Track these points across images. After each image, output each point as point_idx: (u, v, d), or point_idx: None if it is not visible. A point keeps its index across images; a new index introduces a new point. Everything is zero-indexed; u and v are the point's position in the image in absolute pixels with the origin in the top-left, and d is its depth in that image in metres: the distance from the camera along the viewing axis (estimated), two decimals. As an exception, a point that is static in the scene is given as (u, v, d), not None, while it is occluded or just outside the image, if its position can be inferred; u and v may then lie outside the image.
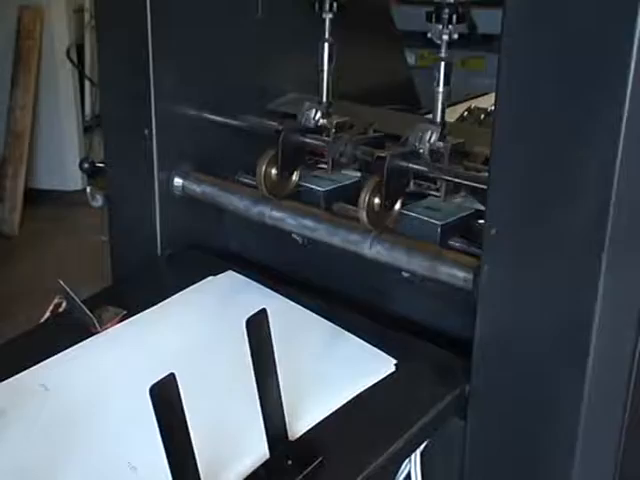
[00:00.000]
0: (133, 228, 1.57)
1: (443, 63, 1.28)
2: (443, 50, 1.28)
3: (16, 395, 1.21)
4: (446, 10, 1.26)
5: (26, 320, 1.46)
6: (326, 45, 1.46)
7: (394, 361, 1.20)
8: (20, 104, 4.14)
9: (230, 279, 1.44)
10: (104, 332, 1.32)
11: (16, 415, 1.17)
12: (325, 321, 1.30)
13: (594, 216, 0.97)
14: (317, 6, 1.44)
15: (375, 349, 1.22)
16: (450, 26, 1.27)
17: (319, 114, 1.49)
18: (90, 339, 1.31)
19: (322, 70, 1.48)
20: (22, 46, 4.15)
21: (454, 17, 1.26)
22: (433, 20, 1.27)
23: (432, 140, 1.30)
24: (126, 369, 1.23)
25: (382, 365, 1.20)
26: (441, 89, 1.29)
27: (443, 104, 1.30)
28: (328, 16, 1.45)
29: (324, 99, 1.49)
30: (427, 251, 1.23)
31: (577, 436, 1.06)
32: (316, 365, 1.21)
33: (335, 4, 1.43)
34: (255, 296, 1.36)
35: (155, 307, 1.37)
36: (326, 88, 1.49)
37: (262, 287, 1.40)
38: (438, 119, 1.31)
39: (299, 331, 1.27)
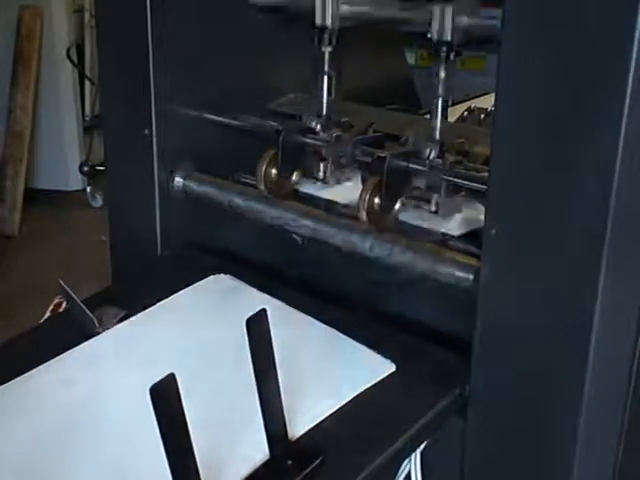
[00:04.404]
0: (133, 228, 1.57)
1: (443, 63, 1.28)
2: (443, 50, 1.28)
3: (19, 395, 1.22)
4: (446, 10, 1.26)
5: (26, 320, 1.46)
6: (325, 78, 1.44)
7: (393, 366, 1.20)
8: (20, 104, 4.14)
9: (223, 283, 1.43)
10: (103, 333, 1.32)
11: (19, 415, 1.18)
12: (323, 325, 1.29)
13: (594, 216, 0.97)
14: (316, 40, 1.41)
15: (374, 353, 1.22)
16: (450, 26, 1.26)
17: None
18: (89, 340, 1.31)
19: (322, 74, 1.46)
20: (22, 46, 4.14)
21: (454, 17, 1.26)
22: (433, 20, 1.27)
23: (431, 157, 1.29)
24: (125, 370, 1.23)
25: (382, 366, 1.20)
26: (441, 91, 1.29)
27: (443, 107, 1.30)
28: (327, 50, 1.42)
29: (324, 99, 1.49)
30: (427, 251, 1.23)
31: (577, 436, 1.06)
32: (316, 367, 1.21)
33: (334, 39, 1.41)
34: (249, 302, 1.34)
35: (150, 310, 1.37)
36: (326, 88, 1.49)
37: (257, 291, 1.38)
38: (438, 122, 1.30)
39: (296, 335, 1.26)
